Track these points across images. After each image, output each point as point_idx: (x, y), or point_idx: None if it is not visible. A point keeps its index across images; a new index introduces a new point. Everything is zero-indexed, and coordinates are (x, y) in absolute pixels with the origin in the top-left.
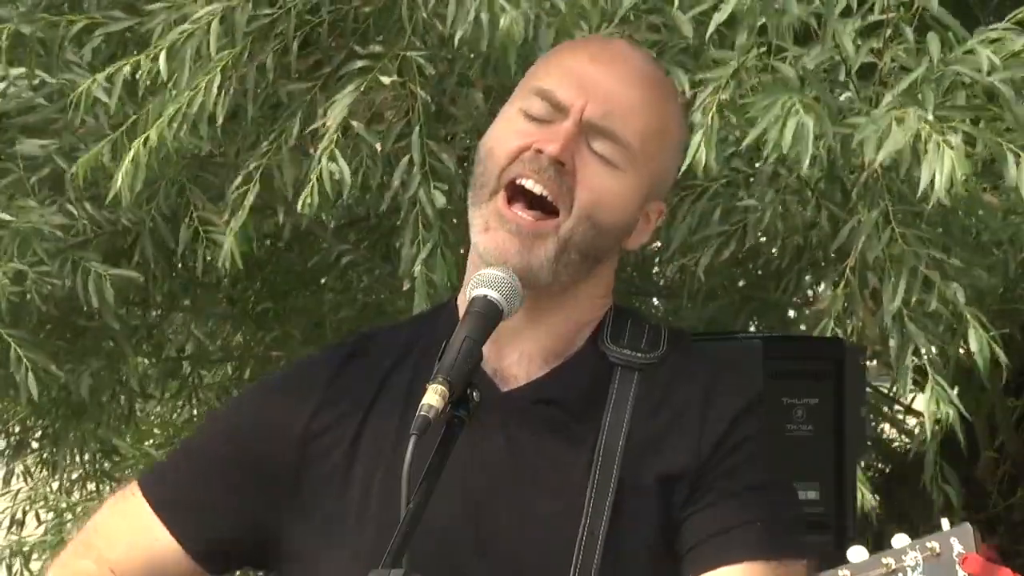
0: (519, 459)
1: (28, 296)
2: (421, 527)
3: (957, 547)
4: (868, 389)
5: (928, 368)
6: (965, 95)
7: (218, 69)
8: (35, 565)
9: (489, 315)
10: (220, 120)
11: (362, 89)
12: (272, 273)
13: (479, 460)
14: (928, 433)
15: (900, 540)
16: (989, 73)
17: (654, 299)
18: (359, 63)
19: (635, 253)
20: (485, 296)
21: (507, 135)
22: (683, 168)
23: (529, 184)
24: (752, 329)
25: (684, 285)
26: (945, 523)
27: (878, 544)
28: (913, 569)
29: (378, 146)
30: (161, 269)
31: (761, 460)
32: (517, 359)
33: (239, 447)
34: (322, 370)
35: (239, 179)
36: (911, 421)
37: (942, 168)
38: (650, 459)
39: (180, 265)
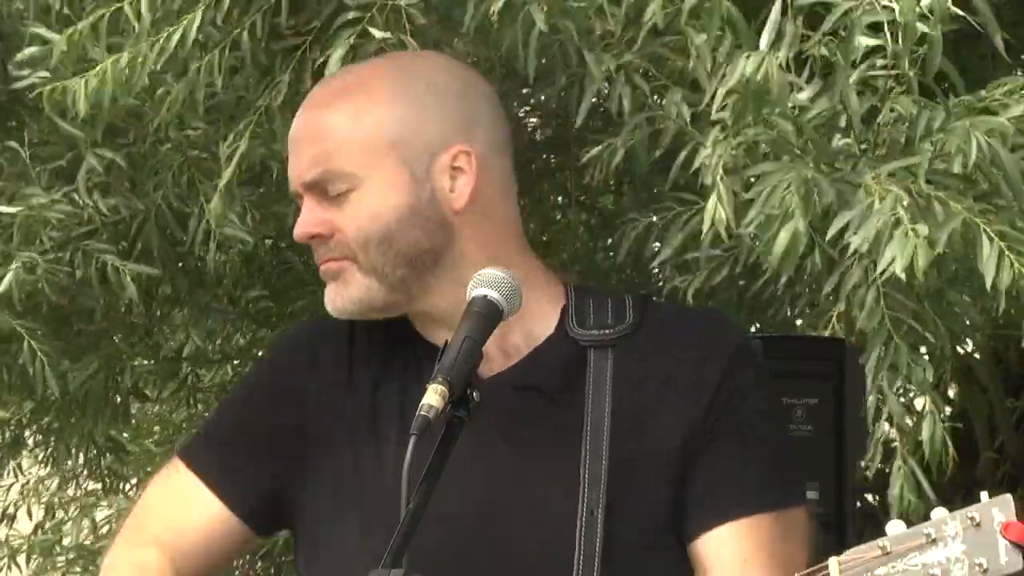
0: (508, 448)
1: (40, 285)
2: (422, 521)
3: (998, 516)
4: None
5: (900, 445)
6: (960, 163)
7: (200, 9)
8: (27, 563)
9: (489, 315)
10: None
11: (351, 42)
12: (272, 273)
13: (468, 453)
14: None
15: (939, 511)
16: (980, 156)
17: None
18: (349, 14)
19: (632, 256)
20: (485, 296)
21: None
22: (706, 230)
23: (322, 266)
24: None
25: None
26: (984, 495)
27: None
28: (953, 538)
29: None
30: (167, 266)
31: (756, 411)
32: (490, 354)
33: (265, 419)
34: (293, 361)
35: (230, 136)
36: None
37: (902, 254)
38: (641, 433)
39: (181, 264)
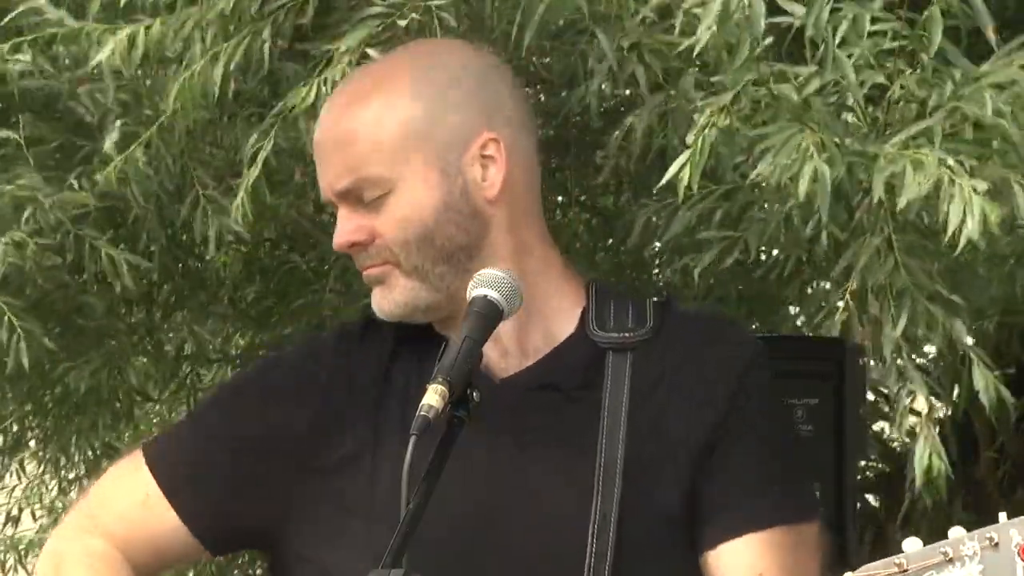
0: (525, 446)
1: (29, 266)
2: (433, 521)
3: (1016, 537)
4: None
5: (923, 418)
6: (971, 129)
7: (233, 43)
8: (30, 563)
9: (489, 315)
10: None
11: (379, 27)
12: (273, 273)
13: (484, 452)
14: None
15: (957, 531)
16: (995, 113)
17: (654, 299)
18: (376, 8)
19: (633, 254)
20: (485, 296)
21: None
22: (664, 181)
23: (365, 272)
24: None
25: (685, 286)
26: (1003, 515)
27: (879, 544)
28: (971, 558)
29: None
30: (164, 255)
31: (768, 421)
32: (511, 353)
33: (244, 441)
34: (329, 354)
35: (254, 136)
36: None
37: (973, 212)
38: (657, 437)
39: (181, 265)
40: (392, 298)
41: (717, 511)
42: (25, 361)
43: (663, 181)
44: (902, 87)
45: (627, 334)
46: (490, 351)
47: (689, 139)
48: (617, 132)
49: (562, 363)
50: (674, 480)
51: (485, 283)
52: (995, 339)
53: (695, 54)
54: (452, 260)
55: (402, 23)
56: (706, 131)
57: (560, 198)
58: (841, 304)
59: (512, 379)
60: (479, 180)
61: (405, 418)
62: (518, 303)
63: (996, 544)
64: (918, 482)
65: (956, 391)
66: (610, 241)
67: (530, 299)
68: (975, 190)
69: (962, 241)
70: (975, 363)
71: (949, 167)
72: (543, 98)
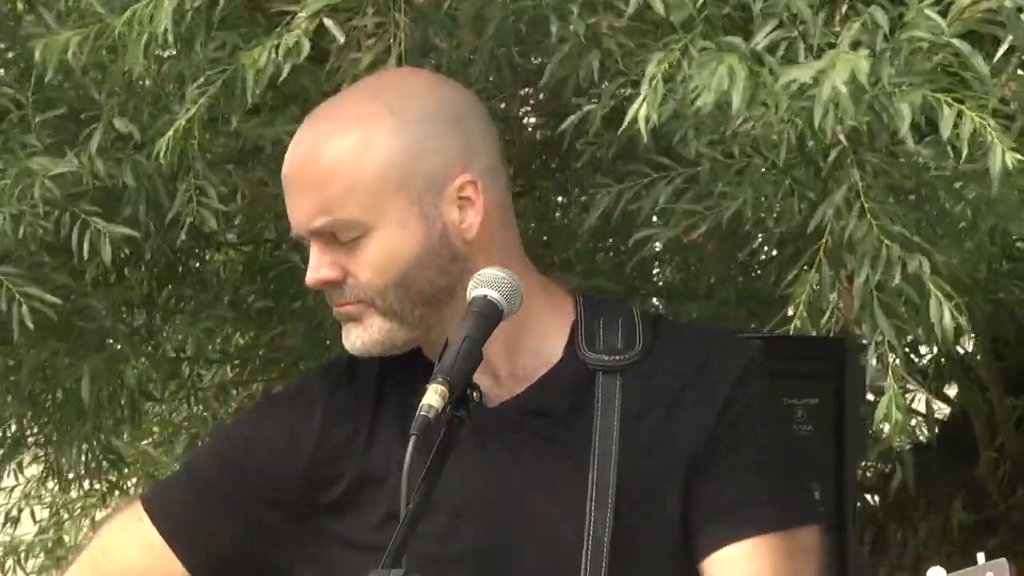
0: (518, 472)
1: (23, 235)
2: (430, 548)
3: None
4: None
5: (890, 373)
6: (923, 59)
7: None
8: (30, 564)
9: (489, 315)
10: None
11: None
12: (272, 273)
13: (477, 478)
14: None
15: (936, 572)
16: (946, 33)
17: (654, 299)
18: None
19: (634, 254)
20: (485, 296)
21: None
22: (626, 122)
23: (337, 308)
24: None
25: (685, 286)
26: (981, 557)
27: (879, 544)
28: None
29: (342, 38)
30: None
31: (764, 430)
32: (503, 380)
33: (242, 487)
34: (319, 391)
35: (201, 79)
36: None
37: (846, 68)
38: (650, 460)
39: (181, 268)
40: (367, 338)
41: (713, 518)
42: (29, 322)
43: (625, 122)
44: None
45: (617, 356)
46: (482, 378)
47: (643, 88)
48: (572, 116)
49: (553, 388)
50: (670, 497)
51: (485, 283)
52: (991, 347)
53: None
54: (432, 302)
55: None
56: (659, 75)
57: (560, 198)
58: (815, 265)
59: (504, 406)
60: (457, 222)
61: (402, 440)
62: (518, 303)
63: None
64: (876, 427)
65: (955, 391)
66: (610, 241)
67: (518, 324)
68: (857, 55)
69: (963, 150)
70: (932, 293)
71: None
72: (542, 96)
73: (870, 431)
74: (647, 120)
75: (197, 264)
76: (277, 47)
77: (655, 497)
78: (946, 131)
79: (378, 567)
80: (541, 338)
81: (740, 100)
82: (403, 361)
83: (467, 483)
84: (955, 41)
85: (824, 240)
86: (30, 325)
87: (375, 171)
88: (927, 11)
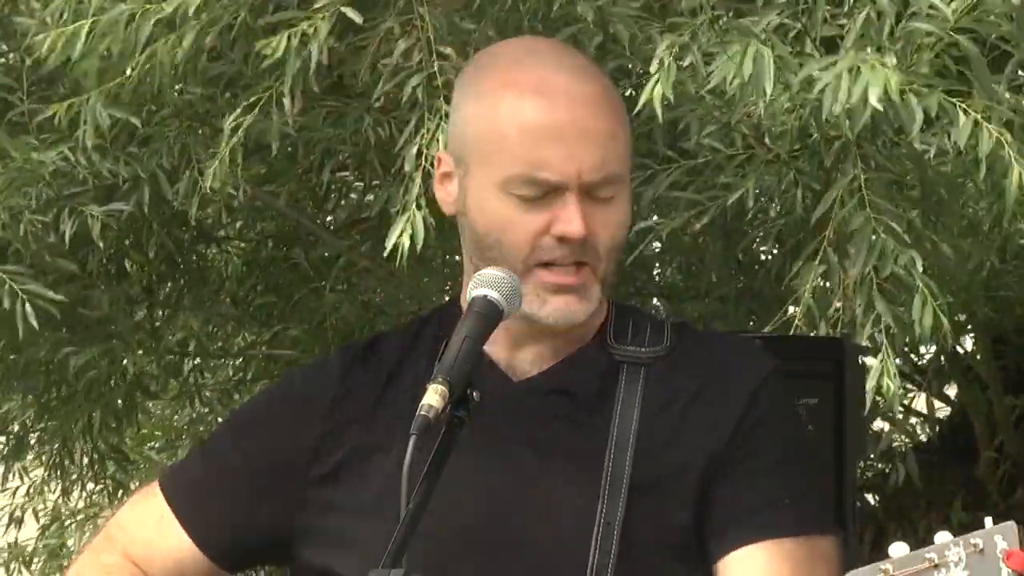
0: (535, 447)
1: (22, 233)
2: (443, 514)
3: (1001, 543)
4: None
5: (884, 346)
6: (929, 56)
7: None
8: (33, 566)
9: (489, 315)
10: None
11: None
12: (275, 270)
13: (496, 449)
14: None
15: (943, 536)
16: (955, 30)
17: (654, 299)
18: None
19: (634, 253)
20: (485, 296)
21: (511, 224)
22: (641, 104)
23: (560, 277)
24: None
25: (686, 286)
26: (988, 521)
27: (878, 544)
28: (956, 564)
29: (359, 19)
30: (169, 264)
31: (783, 436)
32: (531, 359)
33: (251, 462)
34: (331, 374)
35: (238, 111)
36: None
37: (878, 81)
38: (665, 454)
39: (182, 263)
40: (584, 308)
41: (729, 521)
42: (33, 320)
43: (640, 104)
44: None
45: (644, 349)
46: (508, 353)
47: (653, 67)
48: None
49: (577, 370)
50: (680, 496)
51: (485, 283)
52: (991, 346)
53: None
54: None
55: None
56: (670, 54)
57: None
58: (819, 256)
59: (528, 381)
60: None
61: (410, 412)
62: (518, 303)
63: (981, 550)
64: (869, 400)
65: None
66: None
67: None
68: (884, 64)
69: (866, 114)
70: (919, 290)
71: (883, 64)
72: None
73: (870, 431)
74: (662, 98)
75: (195, 259)
76: (295, 34)
77: (666, 491)
78: (962, 140)
79: (378, 537)
80: (574, 328)
81: (770, 86)
82: (428, 346)
83: (484, 449)
84: (961, 40)
85: (828, 231)
86: (34, 323)
87: (628, 141)
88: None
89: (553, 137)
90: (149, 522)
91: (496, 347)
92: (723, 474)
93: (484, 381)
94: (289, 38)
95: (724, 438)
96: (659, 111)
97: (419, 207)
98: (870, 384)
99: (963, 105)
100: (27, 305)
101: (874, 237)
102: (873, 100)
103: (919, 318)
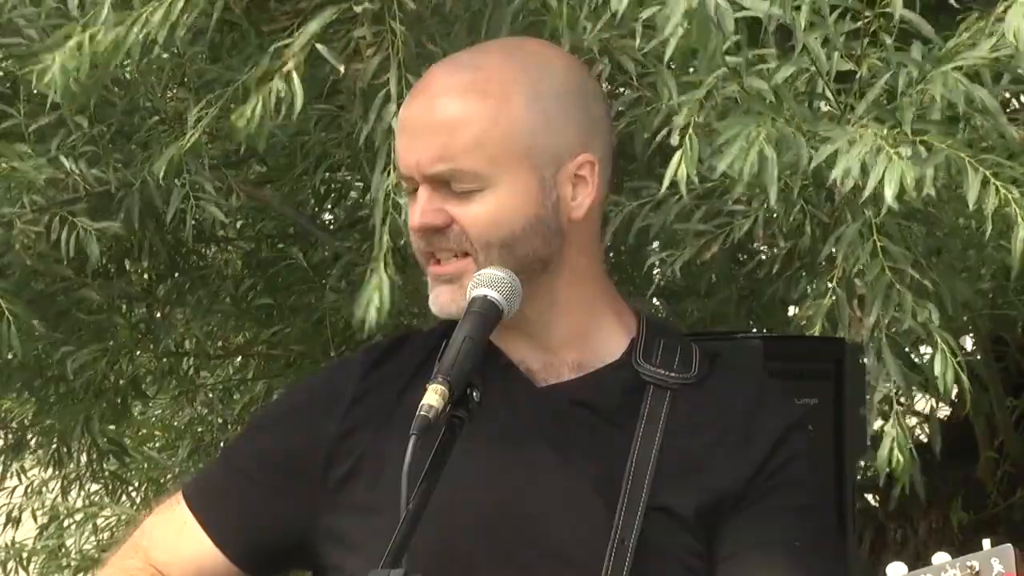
0: (555, 455)
1: (14, 244)
2: (460, 512)
3: (997, 567)
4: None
5: (895, 414)
6: (941, 108)
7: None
8: (27, 566)
9: (489, 315)
10: (182, 31)
11: (335, 16)
12: (274, 271)
13: (516, 448)
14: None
15: (940, 558)
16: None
17: (654, 299)
18: None
19: (634, 253)
20: (485, 296)
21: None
22: (666, 184)
23: (434, 268)
24: (752, 327)
25: (686, 286)
26: (986, 543)
27: (879, 544)
28: None
29: (341, 68)
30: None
31: (805, 483)
32: (556, 366)
33: (267, 460)
34: (352, 374)
35: (202, 102)
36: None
37: (891, 180)
38: (685, 482)
39: (181, 263)
40: (462, 298)
41: (736, 551)
42: (19, 347)
43: (666, 182)
44: (869, 69)
45: (671, 373)
46: (535, 359)
47: (674, 140)
48: None
49: (603, 384)
50: (693, 527)
51: (485, 283)
52: (992, 347)
53: (667, 58)
54: (527, 271)
55: (358, 8)
56: (690, 129)
57: None
58: (828, 294)
59: (552, 388)
60: (568, 198)
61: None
62: (517, 303)
63: (977, 573)
64: (881, 471)
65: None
66: (610, 241)
67: (585, 320)
68: (899, 155)
69: (883, 207)
70: (938, 346)
71: (883, 138)
72: None
73: (869, 435)
74: (687, 179)
75: (195, 258)
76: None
77: (679, 519)
78: (971, 197)
79: (389, 537)
80: (603, 340)
81: (774, 190)
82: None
83: (506, 450)
84: (981, 92)
85: (837, 271)
86: (17, 348)
87: (506, 134)
88: (952, 74)
89: (401, 131)
90: (172, 529)
91: (518, 351)
92: (744, 506)
93: (508, 384)
94: (263, 101)
95: (742, 480)
96: (683, 190)
97: (387, 265)
98: (880, 455)
99: (971, 161)
100: (11, 327)
101: (889, 288)
102: (889, 199)
103: (942, 374)
